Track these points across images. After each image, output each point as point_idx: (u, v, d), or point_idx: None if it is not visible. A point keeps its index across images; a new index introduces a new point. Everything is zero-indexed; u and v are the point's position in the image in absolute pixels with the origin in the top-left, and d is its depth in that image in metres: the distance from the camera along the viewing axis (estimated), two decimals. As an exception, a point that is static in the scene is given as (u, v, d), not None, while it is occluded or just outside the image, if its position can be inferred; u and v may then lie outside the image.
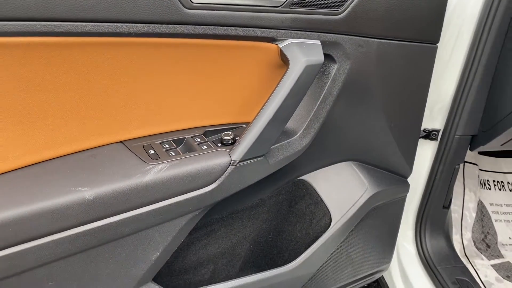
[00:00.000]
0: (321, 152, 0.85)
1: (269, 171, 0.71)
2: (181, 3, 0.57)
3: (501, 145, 1.10)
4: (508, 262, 1.34)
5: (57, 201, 0.54)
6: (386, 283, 1.28)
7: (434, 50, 0.84)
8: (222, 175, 0.65)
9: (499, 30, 0.94)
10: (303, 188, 0.88)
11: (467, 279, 1.12)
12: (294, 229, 0.89)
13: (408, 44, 0.80)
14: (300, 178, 0.88)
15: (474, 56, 0.97)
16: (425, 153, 1.12)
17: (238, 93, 0.71)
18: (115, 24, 0.55)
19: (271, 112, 0.65)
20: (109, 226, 0.58)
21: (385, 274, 1.28)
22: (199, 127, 0.71)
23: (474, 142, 1.11)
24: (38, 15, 0.51)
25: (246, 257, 0.87)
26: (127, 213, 0.59)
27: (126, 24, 0.56)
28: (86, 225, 0.56)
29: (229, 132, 0.70)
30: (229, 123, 0.73)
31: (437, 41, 0.83)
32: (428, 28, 0.80)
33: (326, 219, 0.87)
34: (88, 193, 0.55)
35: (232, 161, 0.65)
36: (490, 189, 1.51)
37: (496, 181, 1.53)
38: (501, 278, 1.27)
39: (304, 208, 0.88)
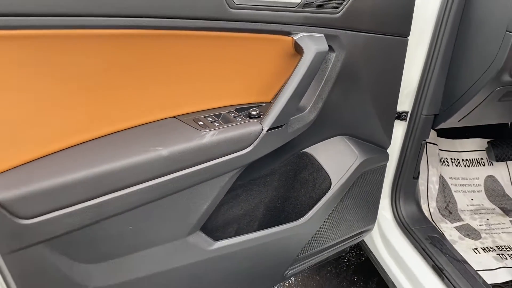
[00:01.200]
0: (320, 128, 1.04)
1: (288, 138, 0.89)
2: (227, 4, 0.74)
3: (458, 121, 1.34)
4: (467, 224, 1.58)
5: (141, 157, 0.69)
6: (368, 246, 1.48)
7: (406, 42, 1.06)
8: (256, 139, 0.82)
9: (453, 27, 1.18)
10: (306, 159, 1.06)
11: (437, 235, 1.34)
12: (299, 195, 1.07)
13: (386, 37, 1.00)
14: (303, 150, 1.06)
15: (434, 48, 1.20)
16: (397, 132, 1.34)
17: (260, 78, 0.89)
18: (177, 20, 0.72)
19: (291, 90, 0.83)
20: (177, 178, 0.74)
21: (366, 239, 1.49)
22: (230, 105, 0.88)
23: (436, 120, 1.34)
24: (121, 12, 0.66)
25: (261, 219, 1.04)
26: (189, 168, 0.75)
27: (184, 20, 0.72)
28: (162, 178, 0.72)
29: (255, 108, 0.87)
30: (253, 102, 0.91)
31: (408, 35, 1.05)
32: (401, 25, 1.02)
33: (326, 182, 1.06)
34: (163, 151, 0.71)
35: (263, 129, 0.82)
36: (448, 165, 1.76)
37: (452, 158, 1.78)
38: (463, 236, 1.51)
39: (307, 176, 1.07)
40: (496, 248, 1.45)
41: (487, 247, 1.45)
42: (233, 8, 0.75)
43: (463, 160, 1.78)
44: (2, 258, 0.62)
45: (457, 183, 1.72)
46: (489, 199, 1.70)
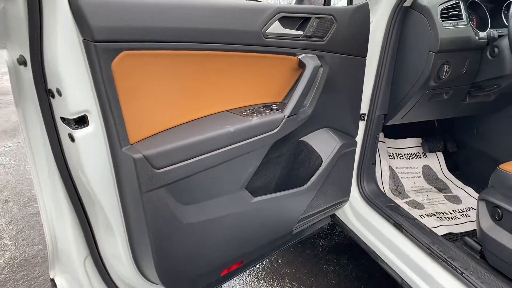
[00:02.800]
0: (312, 122, 1.46)
1: (298, 124, 1.30)
2: (263, 36, 1.16)
3: (402, 118, 1.83)
4: (413, 199, 2.06)
5: (216, 133, 1.08)
6: (342, 220, 1.91)
7: (365, 61, 1.52)
8: (280, 123, 1.23)
9: (393, 50, 1.67)
10: (302, 145, 1.48)
11: (394, 205, 1.79)
12: (301, 169, 1.47)
13: (353, 58, 1.46)
14: (300, 139, 1.48)
15: (381, 65, 1.69)
16: (359, 129, 1.80)
17: (276, 84, 1.31)
18: (237, 45, 1.12)
19: (300, 91, 1.26)
20: (236, 148, 1.12)
21: (340, 215, 1.91)
22: (257, 103, 1.29)
23: (386, 118, 1.82)
24: (209, 40, 1.06)
25: (276, 186, 1.43)
26: (243, 141, 1.14)
27: (241, 46, 1.13)
28: (229, 147, 1.10)
29: (275, 105, 1.29)
30: (271, 102, 1.32)
31: (366, 56, 1.52)
32: (361, 49, 1.48)
33: (318, 161, 1.48)
34: (230, 129, 1.10)
35: (284, 116, 1.23)
36: (394, 158, 2.25)
37: (397, 153, 2.28)
38: (411, 208, 1.98)
39: (304, 157, 1.48)
40: (436, 214, 1.93)
41: (429, 213, 1.93)
42: (266, 38, 1.17)
43: (404, 154, 2.29)
44: (141, 195, 0.96)
45: (402, 171, 2.22)
46: (426, 182, 2.20)
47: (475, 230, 1.79)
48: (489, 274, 1.38)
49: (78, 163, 0.94)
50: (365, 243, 1.76)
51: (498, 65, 1.66)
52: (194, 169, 1.04)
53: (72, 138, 0.92)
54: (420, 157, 2.30)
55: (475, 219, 1.90)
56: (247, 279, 2.07)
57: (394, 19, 1.62)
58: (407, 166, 2.24)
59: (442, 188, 2.16)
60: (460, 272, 1.38)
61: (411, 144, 2.32)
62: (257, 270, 2.13)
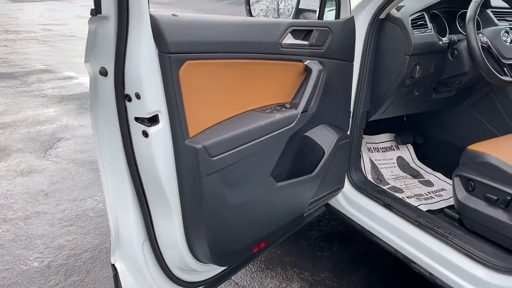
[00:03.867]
0: (314, 119, 1.70)
1: (307, 120, 1.54)
2: (280, 45, 1.39)
3: (382, 113, 2.11)
4: (393, 185, 2.34)
5: (253, 126, 1.29)
6: (336, 208, 2.15)
7: (352, 65, 1.79)
8: (296, 118, 1.46)
9: (372, 54, 1.96)
10: (307, 139, 1.71)
11: (380, 189, 2.06)
12: (304, 162, 1.71)
13: (344, 63, 1.73)
14: (304, 134, 1.72)
15: (363, 68, 1.97)
16: (346, 125, 2.06)
17: (286, 86, 1.54)
18: (260, 54, 1.34)
19: (308, 91, 1.50)
20: (267, 139, 1.34)
21: (332, 203, 2.16)
22: (273, 103, 1.51)
23: (368, 114, 2.10)
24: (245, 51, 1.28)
25: (287, 174, 1.65)
26: (270, 134, 1.36)
27: (262, 54, 1.36)
28: (261, 138, 1.32)
29: (288, 104, 1.52)
30: (282, 102, 1.55)
31: (353, 61, 1.79)
32: (350, 54, 1.75)
33: (321, 152, 1.72)
34: (261, 123, 1.31)
35: (299, 112, 1.47)
36: (372, 152, 2.54)
37: (374, 147, 2.58)
38: (393, 192, 2.26)
39: (309, 149, 1.72)
40: (414, 196, 2.22)
41: (409, 196, 2.22)
42: (282, 48, 1.41)
43: (380, 148, 2.59)
44: (201, 179, 1.16)
45: (380, 162, 2.51)
46: (402, 170, 2.50)
47: (449, 206, 2.09)
48: (468, 236, 1.66)
49: (149, 155, 1.13)
50: (359, 225, 2.01)
51: (458, 64, 1.98)
52: (239, 157, 1.25)
53: (146, 134, 1.10)
54: (394, 150, 2.61)
55: (447, 198, 2.21)
56: (253, 269, 2.26)
57: (372, 29, 1.91)
58: (384, 158, 2.54)
59: (415, 175, 2.47)
60: (445, 236, 1.65)
61: (385, 138, 2.63)
62: (260, 261, 2.33)
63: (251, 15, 1.80)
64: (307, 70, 1.54)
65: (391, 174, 2.45)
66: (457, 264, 1.59)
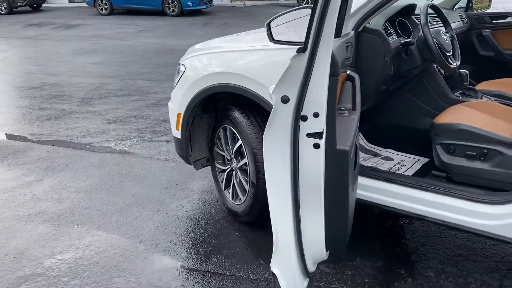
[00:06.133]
0: None
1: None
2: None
3: (363, 106, 2.57)
4: (368, 165, 2.84)
5: (354, 128, 1.59)
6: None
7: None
8: (359, 118, 1.80)
9: (354, 60, 2.40)
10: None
11: (373, 168, 2.52)
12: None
13: (353, 68, 2.12)
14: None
15: (350, 73, 2.39)
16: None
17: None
18: None
19: (358, 97, 1.85)
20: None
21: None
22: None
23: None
24: None
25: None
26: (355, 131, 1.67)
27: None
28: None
29: (342, 107, 1.84)
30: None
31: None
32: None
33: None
34: (355, 126, 1.62)
35: (358, 113, 1.81)
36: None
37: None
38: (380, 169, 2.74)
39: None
40: (387, 169, 2.74)
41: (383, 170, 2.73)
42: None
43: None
44: (349, 177, 1.42)
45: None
46: (364, 153, 3.02)
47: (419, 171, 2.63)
48: (460, 186, 2.22)
49: (317, 163, 1.35)
50: (362, 199, 2.43)
51: (411, 61, 2.55)
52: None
53: (317, 146, 1.32)
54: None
55: (411, 165, 2.78)
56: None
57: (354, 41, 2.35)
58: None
59: (375, 154, 3.01)
60: (446, 190, 2.18)
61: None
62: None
63: (273, 39, 2.06)
64: (350, 79, 1.88)
65: (360, 157, 2.94)
66: (463, 207, 2.12)
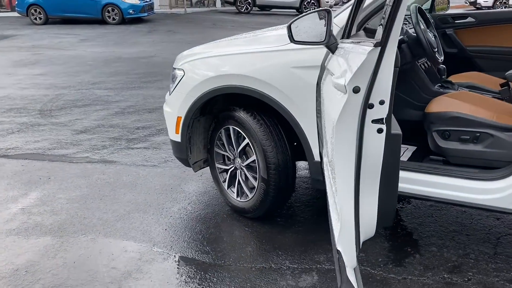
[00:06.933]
0: None
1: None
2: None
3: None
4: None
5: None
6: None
7: None
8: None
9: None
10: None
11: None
12: None
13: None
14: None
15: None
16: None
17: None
18: None
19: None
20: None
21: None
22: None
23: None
24: None
25: None
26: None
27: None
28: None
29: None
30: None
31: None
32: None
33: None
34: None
35: None
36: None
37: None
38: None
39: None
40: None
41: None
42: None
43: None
44: (399, 159, 1.59)
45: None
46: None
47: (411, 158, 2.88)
48: (458, 167, 2.49)
49: (379, 146, 1.51)
50: None
51: (403, 57, 2.80)
52: None
53: (380, 131, 1.48)
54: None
55: (402, 154, 3.03)
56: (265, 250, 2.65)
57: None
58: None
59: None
60: (448, 172, 2.44)
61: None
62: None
63: (294, 40, 2.20)
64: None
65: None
66: (464, 185, 2.38)
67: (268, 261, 2.56)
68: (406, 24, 3.01)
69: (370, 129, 1.50)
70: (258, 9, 20.62)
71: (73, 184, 3.71)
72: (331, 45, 2.20)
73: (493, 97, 2.88)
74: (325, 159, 2.40)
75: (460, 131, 2.52)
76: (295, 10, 20.57)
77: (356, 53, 1.57)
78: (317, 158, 2.61)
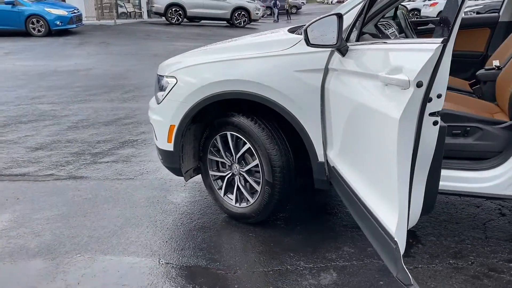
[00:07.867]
0: None
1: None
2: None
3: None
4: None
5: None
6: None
7: None
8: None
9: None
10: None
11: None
12: None
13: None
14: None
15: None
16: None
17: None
18: None
19: None
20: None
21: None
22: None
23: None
24: None
25: None
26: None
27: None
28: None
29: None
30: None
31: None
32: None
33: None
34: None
35: None
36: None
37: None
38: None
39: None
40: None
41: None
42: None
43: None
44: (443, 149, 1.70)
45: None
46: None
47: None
48: (450, 159, 2.68)
49: (434, 138, 1.60)
50: None
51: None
52: None
53: (436, 123, 1.57)
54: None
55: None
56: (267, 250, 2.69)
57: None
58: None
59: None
60: (445, 164, 2.62)
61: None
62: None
63: (309, 43, 2.27)
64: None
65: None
66: (462, 176, 2.58)
67: (283, 263, 2.57)
68: (385, 28, 3.21)
69: (428, 121, 1.59)
70: (187, 21, 20.50)
71: (47, 203, 3.45)
72: (341, 48, 2.30)
73: (468, 96, 3.15)
74: (334, 158, 2.48)
75: (451, 127, 2.72)
76: (225, 22, 20.76)
77: (416, 50, 1.66)
78: (321, 159, 2.67)
